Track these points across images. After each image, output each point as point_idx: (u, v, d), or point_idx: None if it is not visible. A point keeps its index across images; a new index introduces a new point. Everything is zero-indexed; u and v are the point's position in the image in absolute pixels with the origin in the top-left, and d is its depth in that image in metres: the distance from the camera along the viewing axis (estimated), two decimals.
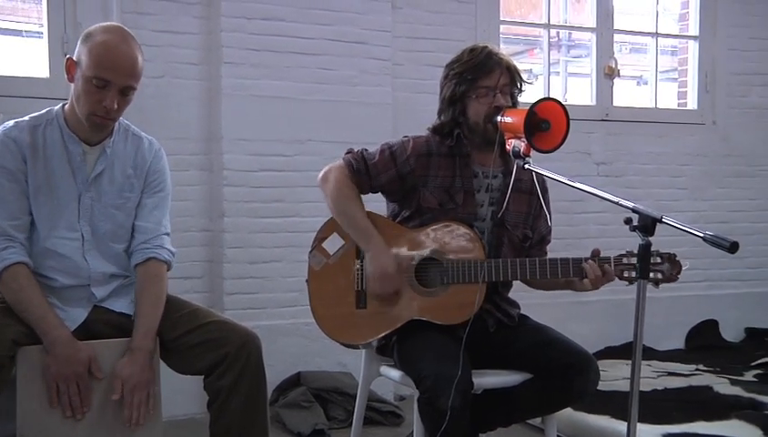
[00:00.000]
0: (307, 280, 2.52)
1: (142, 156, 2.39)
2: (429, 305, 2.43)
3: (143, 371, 2.19)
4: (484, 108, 2.46)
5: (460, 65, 2.50)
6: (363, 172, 2.52)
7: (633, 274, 2.25)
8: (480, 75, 2.47)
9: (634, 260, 2.25)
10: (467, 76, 2.48)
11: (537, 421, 2.63)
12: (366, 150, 2.57)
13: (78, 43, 2.24)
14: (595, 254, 2.37)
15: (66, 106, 2.30)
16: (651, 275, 2.24)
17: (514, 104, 2.55)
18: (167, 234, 2.42)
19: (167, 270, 2.39)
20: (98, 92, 2.18)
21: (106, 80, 2.17)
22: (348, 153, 2.58)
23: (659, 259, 2.30)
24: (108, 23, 2.35)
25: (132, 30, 2.31)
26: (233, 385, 2.23)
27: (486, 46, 2.53)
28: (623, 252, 2.34)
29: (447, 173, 2.51)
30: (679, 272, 2.29)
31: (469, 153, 2.52)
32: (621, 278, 2.32)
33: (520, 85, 2.56)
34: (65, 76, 2.27)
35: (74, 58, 2.23)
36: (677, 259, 2.30)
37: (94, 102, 2.19)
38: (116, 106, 2.20)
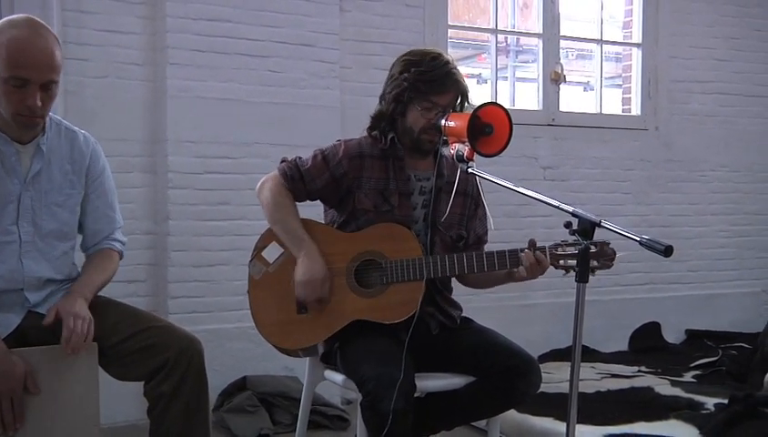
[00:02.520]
0: (248, 291, 2.52)
1: (79, 151, 2.35)
2: (371, 305, 2.44)
3: (81, 309, 2.16)
4: (423, 121, 2.48)
5: (419, 72, 2.47)
6: (297, 179, 2.53)
7: (569, 263, 2.26)
8: (433, 90, 2.46)
9: (570, 250, 2.27)
10: (420, 87, 2.47)
11: (481, 423, 2.64)
12: (299, 158, 2.58)
13: None
14: (532, 244, 2.38)
15: None
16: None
17: None
18: (120, 227, 2.46)
19: (120, 259, 2.43)
20: (18, 91, 2.10)
21: (24, 79, 2.09)
22: (282, 162, 2.59)
23: (592, 248, 2.30)
24: (15, 15, 2.21)
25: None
26: (174, 391, 2.20)
27: (448, 63, 2.50)
28: (558, 242, 2.34)
29: (381, 175, 2.52)
30: (613, 258, 2.27)
31: (403, 156, 2.55)
32: (557, 267, 2.32)
33: (465, 106, 2.55)
34: None
35: None
36: (610, 245, 2.28)
37: (16, 102, 2.11)
38: (39, 103, 2.12)
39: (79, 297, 2.21)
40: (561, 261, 2.30)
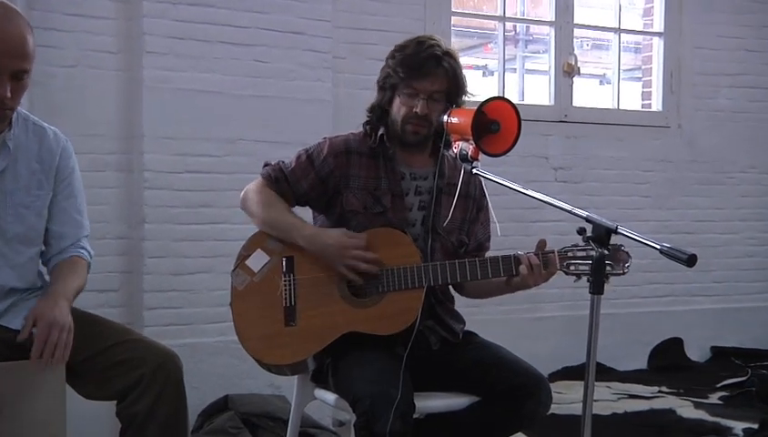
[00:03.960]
0: (230, 303, 2.53)
1: (48, 149, 2.35)
2: (365, 316, 2.44)
3: (62, 314, 2.14)
4: (404, 110, 2.52)
5: (402, 56, 2.52)
6: (282, 181, 2.56)
7: (581, 268, 2.27)
8: (413, 76, 2.49)
9: (581, 254, 2.28)
10: (400, 72, 2.51)
11: None
12: (282, 161, 2.61)
13: None
14: (540, 246, 2.40)
15: None
16: None
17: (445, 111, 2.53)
18: (87, 235, 2.44)
19: (87, 270, 2.40)
20: None
21: None
22: (264, 166, 2.62)
23: (605, 252, 2.31)
24: None
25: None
26: (149, 411, 2.20)
27: (434, 45, 2.52)
28: (569, 246, 2.35)
29: (370, 173, 2.55)
30: (627, 263, 2.28)
31: (393, 155, 2.56)
32: (568, 272, 2.34)
33: (460, 94, 2.56)
34: None
35: None
36: (624, 249, 2.29)
37: None
38: (9, 94, 2.12)
39: (61, 298, 2.19)
40: (572, 266, 2.32)
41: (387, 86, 2.56)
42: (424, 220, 2.56)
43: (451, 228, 2.58)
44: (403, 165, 2.58)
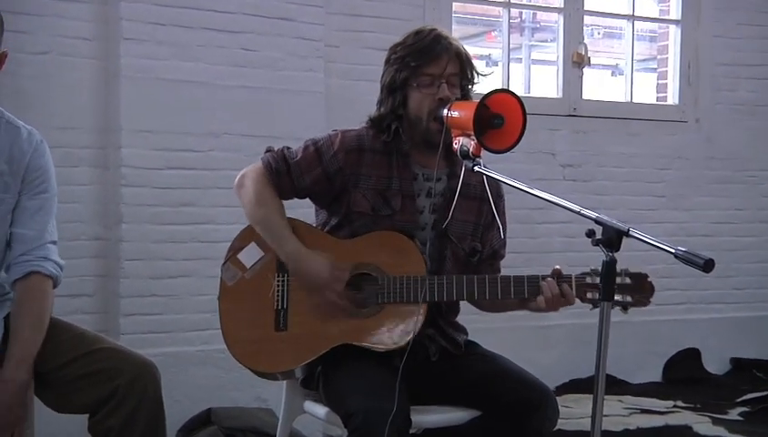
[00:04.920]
0: (218, 297, 2.52)
1: (19, 149, 2.33)
2: (362, 327, 2.44)
3: (11, 409, 2.14)
4: (427, 100, 2.50)
5: (403, 48, 2.54)
6: (284, 173, 2.53)
7: (597, 296, 2.29)
8: (424, 60, 2.50)
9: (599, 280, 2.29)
10: (409, 62, 2.51)
11: None
12: (288, 148, 2.58)
13: None
14: (555, 273, 2.41)
15: None
16: (619, 297, 2.29)
17: (465, 97, 2.57)
18: (54, 242, 2.37)
19: (54, 287, 2.34)
20: None
21: None
22: (267, 152, 2.59)
23: (627, 280, 2.35)
24: None
25: None
26: (124, 426, 2.19)
27: (434, 29, 2.56)
28: (587, 270, 2.38)
29: (382, 173, 2.53)
30: (651, 295, 2.34)
31: (409, 151, 2.55)
32: (584, 300, 2.37)
33: (473, 75, 2.59)
34: None
35: None
36: (649, 279, 2.34)
37: None
38: None
39: (10, 387, 2.15)
40: (589, 294, 2.33)
41: (397, 85, 2.53)
42: (435, 224, 2.55)
43: (463, 234, 2.58)
44: (417, 164, 2.57)
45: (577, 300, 2.40)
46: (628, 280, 2.35)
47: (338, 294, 2.44)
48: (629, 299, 2.34)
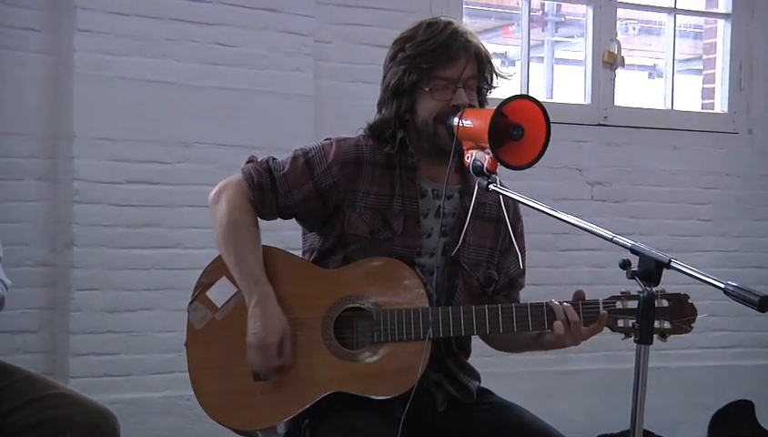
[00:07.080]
0: (186, 343, 2.52)
1: None
2: (355, 372, 2.44)
3: None
4: (438, 106, 2.50)
5: (414, 45, 2.51)
6: (267, 188, 2.52)
7: (630, 324, 2.29)
8: (439, 62, 2.48)
9: (632, 305, 2.30)
10: (421, 63, 2.49)
11: None
12: (273, 158, 2.57)
13: None
14: (579, 297, 2.41)
15: None
16: (656, 324, 2.30)
17: (481, 103, 2.58)
18: None
19: None
20: None
21: None
22: (249, 162, 2.59)
23: (665, 302, 2.35)
24: None
25: None
26: None
27: (451, 23, 2.54)
28: (617, 294, 2.38)
29: (383, 190, 2.53)
30: (693, 320, 2.35)
31: (416, 164, 2.55)
32: (615, 328, 2.36)
33: (492, 79, 2.59)
34: None
35: None
36: (690, 301, 2.34)
37: None
38: None
39: None
40: (621, 321, 2.34)
41: (404, 89, 2.51)
42: (445, 250, 2.56)
43: (477, 261, 2.58)
44: (425, 179, 2.56)
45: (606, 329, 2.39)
46: (665, 303, 2.35)
47: (272, 367, 2.42)
48: (667, 325, 2.34)
